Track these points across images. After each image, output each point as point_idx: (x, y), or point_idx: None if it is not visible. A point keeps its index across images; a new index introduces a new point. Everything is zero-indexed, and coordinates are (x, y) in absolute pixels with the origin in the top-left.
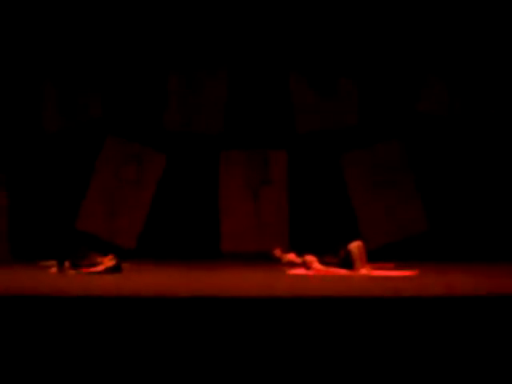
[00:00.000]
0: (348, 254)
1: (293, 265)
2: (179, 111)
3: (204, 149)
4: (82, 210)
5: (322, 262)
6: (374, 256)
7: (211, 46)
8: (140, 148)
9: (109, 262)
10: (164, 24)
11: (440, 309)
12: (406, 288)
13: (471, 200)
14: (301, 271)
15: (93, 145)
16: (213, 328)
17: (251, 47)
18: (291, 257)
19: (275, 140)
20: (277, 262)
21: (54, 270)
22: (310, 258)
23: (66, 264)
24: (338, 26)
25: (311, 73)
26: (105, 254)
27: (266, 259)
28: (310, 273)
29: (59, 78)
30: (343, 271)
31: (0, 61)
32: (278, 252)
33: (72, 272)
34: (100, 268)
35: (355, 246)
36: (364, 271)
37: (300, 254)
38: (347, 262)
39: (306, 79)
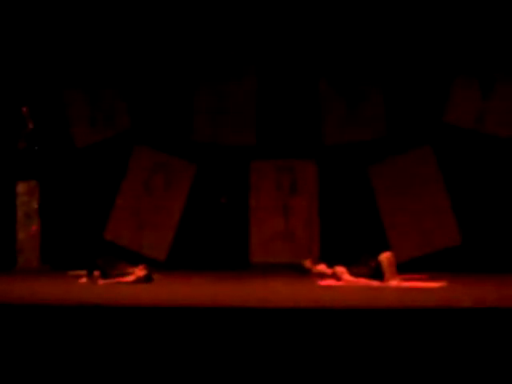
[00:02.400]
0: (378, 265)
1: (323, 276)
2: (208, 123)
3: (234, 159)
4: (111, 220)
5: (352, 273)
6: (404, 267)
7: (240, 57)
8: (169, 158)
9: (139, 272)
10: (192, 35)
11: (468, 320)
12: (435, 299)
13: (502, 211)
14: (331, 282)
15: (123, 155)
16: (243, 338)
17: (280, 58)
18: (321, 268)
19: (304, 150)
20: (307, 273)
21: (83, 279)
22: (340, 269)
23: (96, 274)
24: (366, 37)
25: (340, 84)
26: (135, 264)
27: (295, 270)
28: (340, 284)
29: (88, 91)
30: (373, 282)
31: (33, 78)
32: (308, 263)
33: (102, 282)
34: (130, 278)
35: (385, 257)
36: (394, 282)
37: (330, 264)
38: (377, 273)
39: (335, 90)
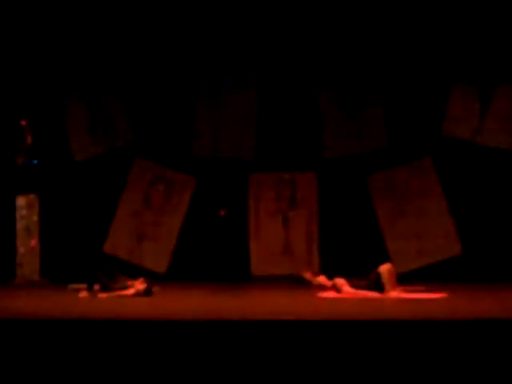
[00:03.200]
0: (378, 276)
1: (323, 288)
2: (209, 137)
3: (233, 172)
4: (110, 233)
5: (352, 284)
6: (405, 278)
7: (240, 70)
8: (169, 171)
9: (139, 285)
10: (193, 49)
11: (469, 332)
12: (435, 311)
13: (502, 221)
14: (331, 294)
15: (123, 168)
16: (244, 351)
17: (280, 70)
18: (321, 280)
19: (304, 163)
20: (307, 285)
21: (83, 293)
22: (340, 280)
23: (96, 287)
24: (366, 49)
25: (340, 96)
26: (135, 277)
27: (295, 282)
28: (340, 296)
29: (89, 103)
30: (373, 294)
31: (33, 90)
32: (308, 275)
33: (102, 295)
34: (130, 291)
35: (385, 268)
36: (394, 294)
37: (330, 276)
38: (377, 285)
39: (334, 103)
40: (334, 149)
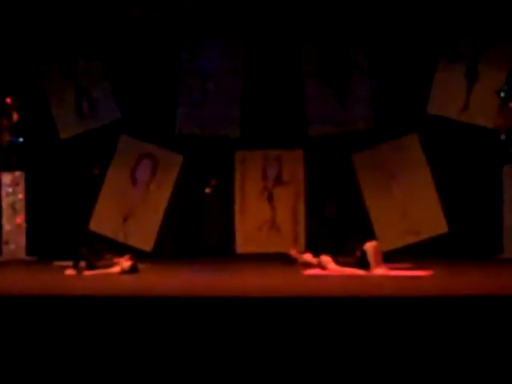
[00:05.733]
0: (363, 254)
1: (309, 265)
2: (193, 115)
3: (219, 149)
4: (95, 210)
5: (338, 262)
6: (390, 256)
7: (226, 46)
8: (155, 149)
9: (125, 262)
10: (175, 29)
11: (454, 308)
12: (420, 288)
13: (488, 198)
14: (317, 271)
15: (109, 146)
16: (229, 328)
17: (266, 47)
18: (307, 257)
19: (290, 140)
20: (293, 263)
21: (69, 270)
22: (325, 258)
23: (82, 264)
24: (353, 23)
25: (326, 74)
26: (121, 254)
27: (281, 260)
28: (325, 273)
29: (74, 80)
30: (359, 271)
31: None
32: (293, 252)
33: (88, 273)
34: (116, 269)
35: (371, 246)
36: (379, 271)
37: (316, 254)
38: (363, 262)
39: (320, 82)
40: (319, 128)
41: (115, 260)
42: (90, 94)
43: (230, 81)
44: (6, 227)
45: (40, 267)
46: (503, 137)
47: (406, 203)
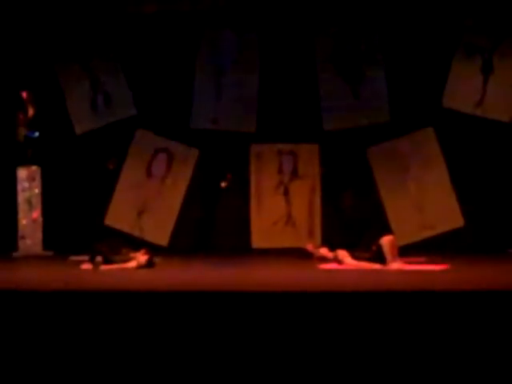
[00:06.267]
0: (380, 248)
1: (325, 260)
2: (208, 110)
3: (234, 143)
4: (111, 205)
5: (354, 256)
6: (406, 249)
7: (241, 42)
8: (171, 143)
9: (141, 257)
10: (190, 24)
11: (470, 302)
12: (437, 282)
13: (504, 193)
14: (333, 266)
15: (125, 140)
16: (245, 322)
17: (281, 43)
18: (323, 252)
19: (305, 134)
20: (309, 257)
21: (86, 265)
22: (341, 252)
23: (98, 259)
24: (369, 19)
25: (341, 67)
26: (137, 249)
27: (297, 254)
28: (342, 267)
29: (89, 75)
30: (375, 266)
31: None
32: (310, 247)
33: (104, 267)
34: (132, 263)
35: (387, 240)
36: (395, 266)
37: (332, 248)
38: (379, 257)
39: (336, 75)
40: (334, 121)
41: (131, 255)
42: (105, 88)
43: (245, 75)
44: (23, 222)
45: (56, 262)
46: None
47: (422, 197)
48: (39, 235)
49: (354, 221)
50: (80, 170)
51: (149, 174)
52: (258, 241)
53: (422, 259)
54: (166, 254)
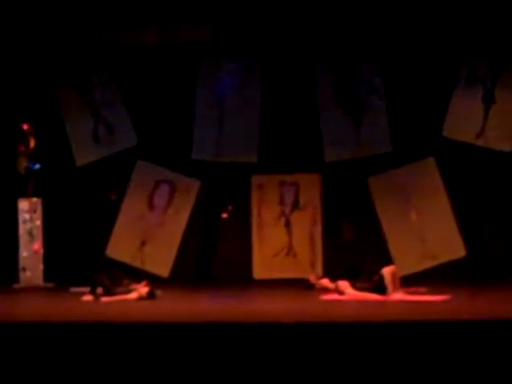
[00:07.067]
0: (381, 278)
1: (326, 290)
2: (210, 141)
3: (235, 174)
4: (113, 236)
5: (356, 287)
6: (407, 280)
7: (243, 71)
8: (173, 174)
9: (142, 288)
10: (192, 54)
11: (472, 333)
12: (438, 313)
13: (505, 222)
14: (334, 296)
15: (125, 171)
16: (247, 354)
17: (283, 75)
18: (324, 282)
19: (306, 165)
20: (310, 288)
21: (87, 296)
22: (343, 283)
23: (99, 291)
24: (368, 48)
25: (342, 99)
26: (138, 281)
27: (298, 285)
28: (343, 298)
29: (91, 106)
30: (376, 296)
31: (34, 95)
32: (312, 278)
33: (105, 299)
34: (133, 295)
35: (388, 270)
36: (397, 296)
37: (333, 279)
38: (380, 287)
39: (336, 107)
40: (335, 152)
41: (132, 286)
42: (107, 119)
43: (246, 106)
44: (23, 254)
45: (57, 293)
46: None
47: (423, 227)
48: (40, 267)
49: (354, 251)
50: (81, 201)
51: (150, 205)
52: (259, 272)
53: (424, 289)
54: (167, 285)
